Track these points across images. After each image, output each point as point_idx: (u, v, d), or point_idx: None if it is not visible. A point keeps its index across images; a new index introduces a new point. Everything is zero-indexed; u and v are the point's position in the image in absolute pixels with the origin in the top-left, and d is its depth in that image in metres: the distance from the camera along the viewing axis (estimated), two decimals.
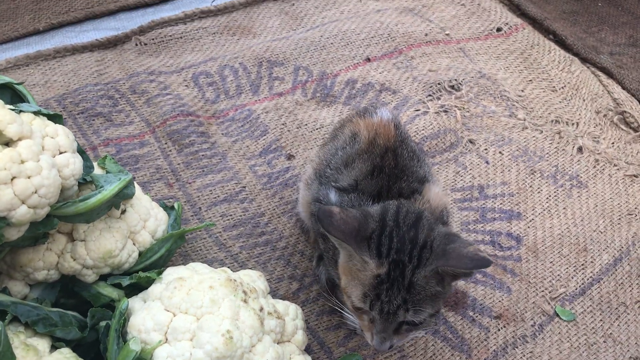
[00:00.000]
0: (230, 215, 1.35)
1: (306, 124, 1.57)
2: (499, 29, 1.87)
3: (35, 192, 0.84)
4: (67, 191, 0.95)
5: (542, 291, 1.25)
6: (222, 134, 1.53)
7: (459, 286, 1.25)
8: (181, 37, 1.81)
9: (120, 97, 1.60)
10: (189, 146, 1.48)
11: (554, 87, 1.71)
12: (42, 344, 0.92)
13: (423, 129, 1.55)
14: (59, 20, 1.84)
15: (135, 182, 1.12)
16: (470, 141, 1.55)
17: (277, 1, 1.97)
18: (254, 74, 1.69)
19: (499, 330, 1.18)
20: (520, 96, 1.68)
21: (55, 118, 0.99)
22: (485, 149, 1.53)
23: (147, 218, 1.09)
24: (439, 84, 1.68)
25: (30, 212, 0.84)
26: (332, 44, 1.80)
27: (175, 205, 1.22)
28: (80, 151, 1.05)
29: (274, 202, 1.39)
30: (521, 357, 1.14)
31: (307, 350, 1.12)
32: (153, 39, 1.79)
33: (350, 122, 1.16)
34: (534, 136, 1.57)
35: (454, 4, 1.97)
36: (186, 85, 1.65)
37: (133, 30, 1.80)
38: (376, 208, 0.94)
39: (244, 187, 1.41)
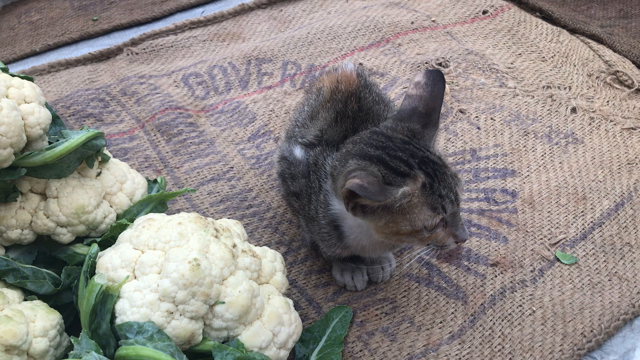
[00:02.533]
0: (218, 192, 1.34)
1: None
2: (484, 12, 1.88)
3: None
4: (35, 143, 0.95)
5: (541, 239, 1.20)
6: (211, 124, 1.54)
7: None
8: (172, 46, 1.85)
9: (110, 100, 1.62)
10: (177, 135, 1.49)
11: (544, 57, 1.69)
12: (12, 293, 0.90)
13: None
14: (55, 42, 1.90)
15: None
16: (461, 111, 1.52)
17: (265, 9, 2.01)
18: (243, 71, 1.71)
19: (495, 276, 1.13)
20: (509, 68, 1.66)
21: (25, 79, 1.00)
22: (477, 117, 1.51)
23: (123, 180, 1.08)
24: (426, 63, 1.68)
25: None
26: (319, 39, 1.82)
27: (158, 179, 1.22)
28: (55, 116, 1.06)
29: (262, 179, 1.37)
30: (520, 300, 1.08)
31: (295, 307, 1.08)
32: (144, 49, 1.83)
33: (317, 80, 1.16)
34: (525, 101, 1.55)
35: None
36: (176, 86, 1.67)
37: (125, 43, 1.84)
38: (354, 149, 0.91)
39: (232, 167, 1.40)
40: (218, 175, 1.38)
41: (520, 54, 1.71)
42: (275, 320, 0.90)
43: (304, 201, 1.02)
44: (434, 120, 0.90)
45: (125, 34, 1.96)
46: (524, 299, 1.08)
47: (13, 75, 0.97)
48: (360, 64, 1.71)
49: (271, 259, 0.97)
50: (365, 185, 0.80)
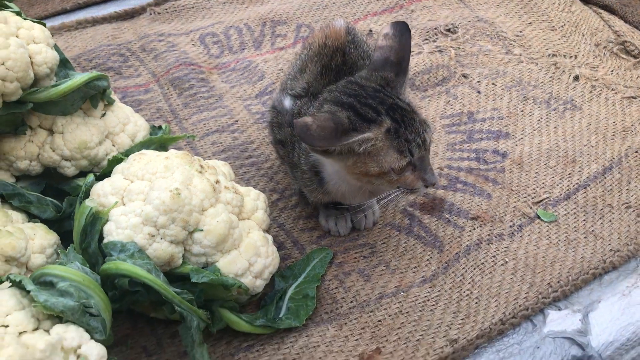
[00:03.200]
0: (221, 143, 1.41)
1: None
2: None
3: (2, 64, 0.93)
4: (43, 81, 1.04)
5: (525, 197, 1.23)
6: (222, 81, 1.61)
7: (437, 193, 1.25)
8: (192, 7, 1.92)
9: (130, 55, 1.71)
10: (188, 89, 1.56)
11: (554, 26, 1.70)
12: (17, 215, 0.99)
13: (415, 66, 1.58)
14: (85, 1, 2.00)
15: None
16: (464, 75, 1.56)
17: None
18: (258, 32, 1.77)
19: (474, 229, 1.17)
20: (518, 36, 1.67)
21: (37, 23, 1.08)
22: (478, 81, 1.54)
23: (126, 122, 1.16)
24: (435, 28, 1.71)
25: None
26: (334, 3, 1.86)
27: (163, 126, 1.29)
28: (65, 60, 1.15)
29: (264, 133, 1.44)
30: (495, 252, 1.13)
31: (280, 247, 1.15)
32: (166, 9, 1.90)
33: (310, 36, 1.21)
34: (529, 68, 1.57)
35: None
36: (193, 44, 1.74)
37: (149, 3, 1.93)
38: (329, 97, 0.97)
39: (237, 121, 1.47)
40: (223, 127, 1.45)
41: (530, 23, 1.72)
42: (252, 251, 0.97)
43: (288, 149, 1.08)
44: (404, 68, 0.95)
45: None
46: (498, 250, 1.13)
47: (25, 19, 1.06)
48: (370, 30, 1.75)
49: (254, 198, 1.04)
50: (313, 127, 0.86)
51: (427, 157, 0.95)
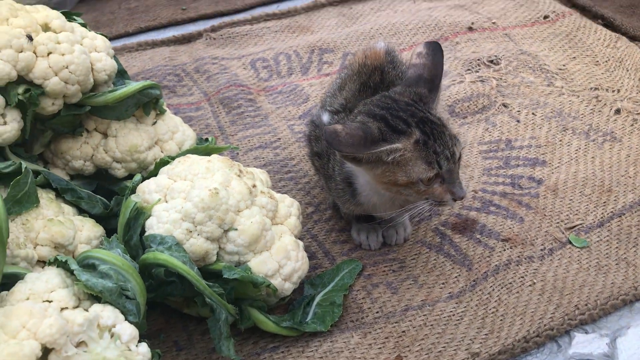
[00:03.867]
0: (263, 158, 1.47)
1: None
2: (545, 17, 1.92)
3: (66, 68, 1.02)
4: (101, 87, 1.12)
5: (557, 222, 1.24)
6: (269, 102, 1.68)
7: (469, 214, 1.27)
8: (246, 34, 2.02)
9: (185, 75, 1.81)
10: (236, 108, 1.64)
11: (597, 61, 1.71)
12: (68, 208, 1.07)
13: (456, 94, 1.62)
14: (147, 25, 2.13)
15: None
16: (504, 105, 1.58)
17: (336, 6, 2.15)
18: (305, 59, 1.85)
19: (504, 250, 1.18)
20: (561, 69, 1.69)
21: (99, 35, 1.18)
22: (518, 111, 1.56)
23: (175, 131, 1.24)
24: (478, 59, 1.74)
25: (62, 84, 1.02)
26: (380, 33, 1.93)
27: (209, 139, 1.36)
28: (123, 71, 1.24)
29: (304, 150, 1.49)
30: (524, 273, 1.13)
31: (312, 257, 1.19)
32: (221, 35, 2.01)
33: (352, 57, 1.27)
34: (570, 100, 1.58)
35: None
36: (244, 68, 1.83)
37: (205, 29, 2.04)
38: (363, 109, 1.02)
39: (279, 138, 1.54)
40: (266, 143, 1.52)
41: (574, 57, 1.74)
42: (282, 253, 1.01)
43: (324, 160, 1.14)
44: (436, 85, 1.00)
45: (208, 23, 2.15)
46: (527, 272, 1.13)
47: (89, 31, 1.15)
48: None
49: (288, 205, 1.09)
50: (342, 134, 0.91)
51: (456, 171, 0.98)
